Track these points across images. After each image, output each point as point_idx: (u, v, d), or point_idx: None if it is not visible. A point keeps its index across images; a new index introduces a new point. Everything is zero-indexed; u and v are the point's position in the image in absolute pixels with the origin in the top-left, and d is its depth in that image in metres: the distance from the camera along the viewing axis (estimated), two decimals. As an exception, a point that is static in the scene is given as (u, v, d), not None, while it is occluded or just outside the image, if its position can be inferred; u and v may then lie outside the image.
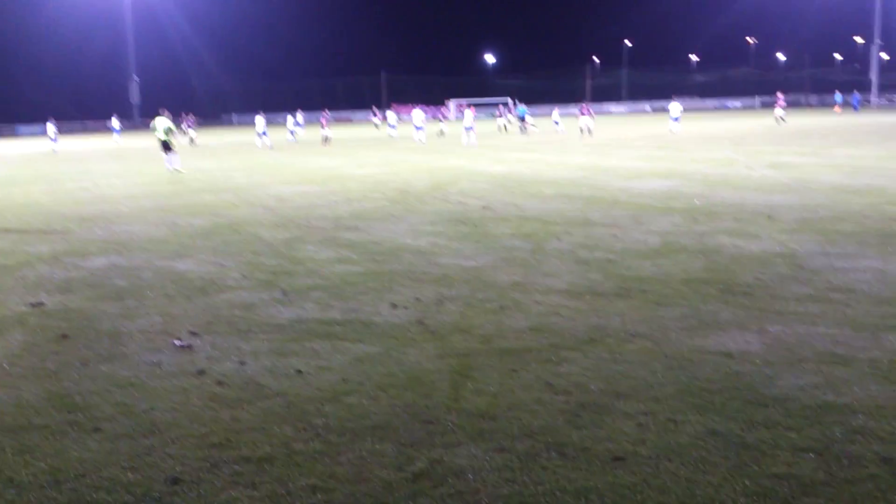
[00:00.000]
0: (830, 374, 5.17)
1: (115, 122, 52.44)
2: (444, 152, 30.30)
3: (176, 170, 23.35)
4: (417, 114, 40.63)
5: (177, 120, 52.42)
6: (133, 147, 44.03)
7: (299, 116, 50.50)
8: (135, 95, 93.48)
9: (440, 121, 47.86)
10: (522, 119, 44.00)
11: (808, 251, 9.14)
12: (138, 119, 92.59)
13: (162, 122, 23.36)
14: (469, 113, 38.04)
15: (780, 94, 48.98)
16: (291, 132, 46.45)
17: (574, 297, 7.46)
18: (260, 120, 40.08)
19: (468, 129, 36.78)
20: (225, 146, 43.19)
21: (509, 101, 67.27)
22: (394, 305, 7.42)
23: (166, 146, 23.31)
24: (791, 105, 67.15)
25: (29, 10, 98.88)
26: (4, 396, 5.32)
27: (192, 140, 44.44)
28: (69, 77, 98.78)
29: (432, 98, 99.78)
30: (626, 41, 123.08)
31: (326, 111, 48.85)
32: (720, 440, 4.25)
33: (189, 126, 52.58)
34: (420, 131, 38.93)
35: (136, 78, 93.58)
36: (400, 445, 4.36)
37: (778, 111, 46.17)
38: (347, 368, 5.70)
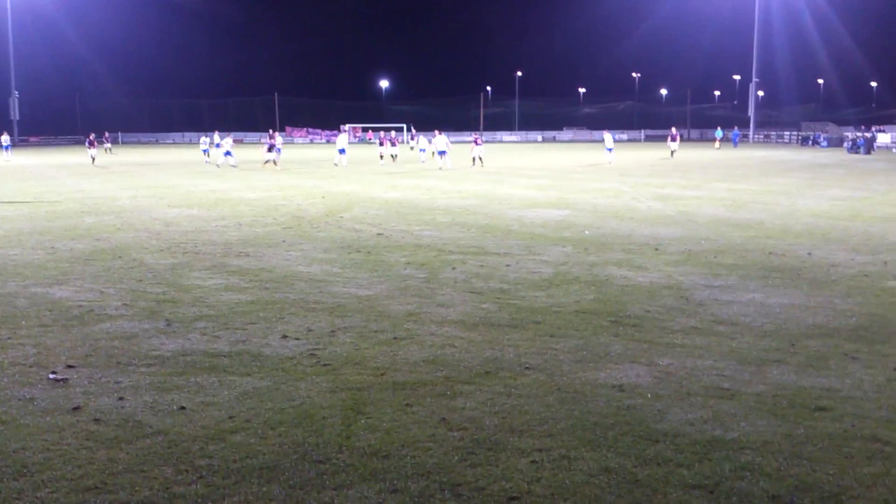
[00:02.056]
0: (718, 408, 5.33)
1: (4, 139, 49.77)
2: (338, 177, 30.09)
3: None
4: (343, 137, 41.71)
5: (100, 138, 51.21)
6: (12, 166, 41.79)
7: (216, 137, 50.03)
8: (15, 112, 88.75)
9: (389, 145, 46.40)
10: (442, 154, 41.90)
11: (693, 283, 9.49)
12: (17, 137, 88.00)
13: None
14: (344, 136, 42.05)
15: (674, 129, 51.23)
16: (205, 151, 44.79)
17: (468, 328, 7.46)
18: (205, 139, 44.74)
19: (342, 151, 39.44)
20: (111, 165, 41.55)
21: (404, 128, 67.51)
22: (285, 336, 7.23)
23: None
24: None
25: None
26: None
27: (93, 159, 42.22)
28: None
29: (327, 122, 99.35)
30: (518, 72, 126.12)
31: (272, 132, 48.87)
32: (613, 477, 4.30)
33: (107, 143, 56.05)
34: (343, 154, 39.34)
35: (16, 94, 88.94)
36: (288, 487, 4.21)
37: (672, 144, 48.06)
38: (234, 404, 5.49)
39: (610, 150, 40.56)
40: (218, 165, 37.46)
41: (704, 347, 6.78)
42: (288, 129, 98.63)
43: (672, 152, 47.31)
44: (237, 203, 19.78)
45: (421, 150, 42.75)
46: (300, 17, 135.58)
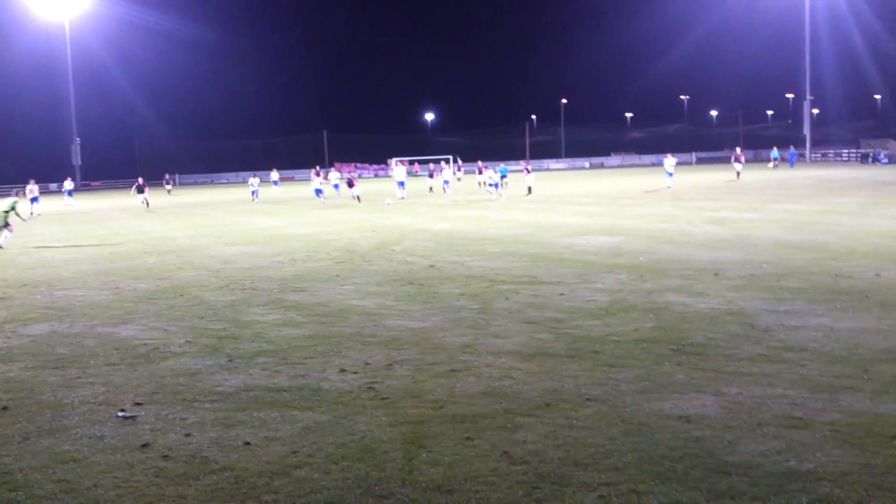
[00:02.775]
0: (791, 438, 5.19)
1: (67, 184, 51.71)
2: (387, 210, 30.36)
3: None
4: (399, 170, 41.61)
5: (157, 181, 52.70)
6: (75, 210, 43.09)
7: (274, 174, 51.85)
8: (77, 157, 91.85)
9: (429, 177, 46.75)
10: (503, 176, 41.27)
11: (756, 309, 9.31)
12: (79, 181, 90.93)
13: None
14: (401, 168, 41.78)
15: (738, 150, 49.36)
16: (254, 192, 43.72)
17: (525, 359, 7.44)
18: (254, 180, 43.55)
19: (401, 184, 39.00)
20: (169, 206, 42.60)
21: (451, 159, 67.79)
22: (343, 370, 7.30)
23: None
24: (725, 161, 69.33)
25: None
26: (-67, 479, 5.03)
27: (146, 203, 41.27)
28: (9, 139, 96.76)
29: (374, 157, 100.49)
30: (563, 99, 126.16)
31: (353, 167, 48.95)
32: (685, 512, 4.22)
33: (168, 185, 58.68)
34: (402, 187, 38.84)
35: (77, 140, 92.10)
36: (355, 522, 4.24)
37: (737, 165, 46.39)
38: (297, 439, 5.56)
39: (670, 174, 39.76)
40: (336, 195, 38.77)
41: (773, 375, 6.64)
42: (336, 164, 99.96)
43: (738, 174, 45.85)
44: (290, 239, 20.09)
45: (445, 181, 41.27)
46: (345, 55, 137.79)
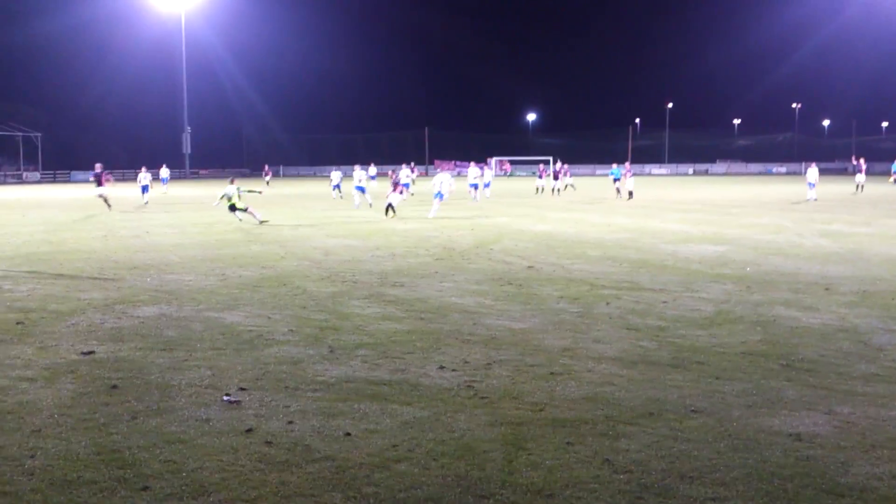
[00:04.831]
0: (908, 462, 4.91)
1: (164, 172, 53.47)
2: (486, 210, 30.34)
3: (263, 221, 23.24)
4: (473, 170, 39.94)
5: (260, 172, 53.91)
6: (183, 196, 44.81)
7: (372, 169, 51.43)
8: (187, 146, 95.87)
9: (539, 177, 45.74)
10: (616, 179, 40.17)
11: (871, 326, 8.85)
12: (188, 170, 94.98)
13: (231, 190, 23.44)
14: (486, 170, 41.53)
15: (862, 161, 45.56)
16: (359, 188, 42.70)
17: (627, 365, 7.27)
18: (336, 174, 41.28)
19: (486, 185, 38.55)
20: (273, 198, 43.78)
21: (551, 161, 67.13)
22: (442, 367, 7.31)
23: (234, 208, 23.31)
24: (837, 173, 66.26)
25: (88, 62, 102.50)
26: (54, 448, 5.27)
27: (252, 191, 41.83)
28: (124, 127, 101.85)
29: (473, 155, 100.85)
30: (668, 103, 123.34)
31: (562, 164, 44.89)
32: (796, 533, 4.03)
33: (266, 175, 59.87)
34: (476, 189, 37.69)
35: (188, 129, 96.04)
36: (455, 521, 4.21)
37: (859, 177, 43.56)
38: (397, 433, 5.58)
39: (812, 185, 36.75)
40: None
41: (888, 396, 6.28)
42: (436, 162, 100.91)
43: (859, 186, 43.00)
44: (390, 234, 20.31)
45: (485, 184, 38.75)
46: (449, 52, 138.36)
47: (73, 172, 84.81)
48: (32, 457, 5.13)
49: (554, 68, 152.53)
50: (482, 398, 6.37)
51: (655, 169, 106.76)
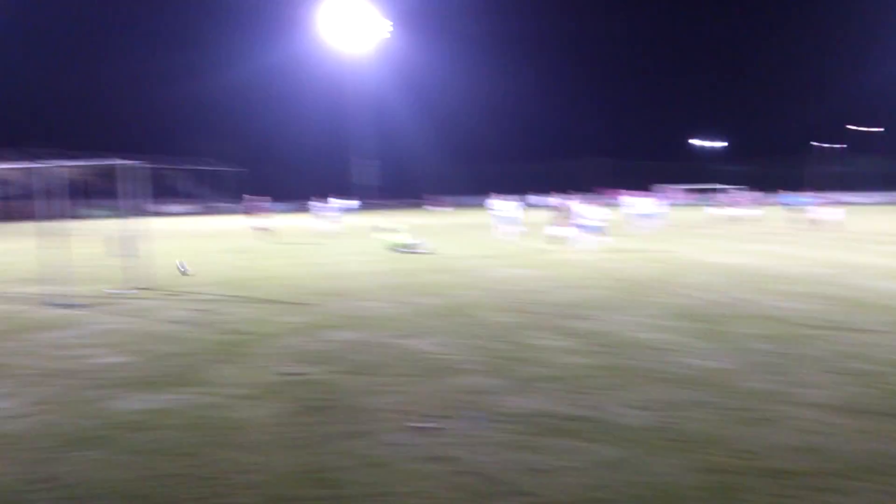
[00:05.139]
0: None
1: (340, 202, 55.86)
2: (666, 240, 29.42)
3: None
4: (639, 199, 38.77)
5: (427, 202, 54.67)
6: (361, 226, 46.69)
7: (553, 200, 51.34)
8: (366, 177, 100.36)
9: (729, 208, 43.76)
10: (802, 208, 37.78)
11: None
12: (360, 199, 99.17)
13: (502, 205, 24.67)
14: (653, 199, 39.03)
15: None
16: (511, 219, 41.94)
17: (840, 413, 6.73)
18: (499, 203, 39.75)
19: (649, 216, 36.64)
20: (444, 228, 44.73)
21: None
22: (633, 406, 7.08)
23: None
24: None
25: (284, 103, 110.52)
26: (265, 464, 5.57)
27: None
28: (299, 158, 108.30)
29: (640, 184, 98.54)
30: (860, 127, 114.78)
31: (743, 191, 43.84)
32: None
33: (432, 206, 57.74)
34: (646, 218, 36.21)
35: (360, 161, 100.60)
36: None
37: None
38: (590, 471, 5.45)
39: None
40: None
41: None
42: (599, 189, 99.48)
43: None
44: (567, 265, 20.12)
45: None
46: (611, 78, 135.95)
47: (269, 203, 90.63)
48: (247, 471, 5.44)
49: (729, 92, 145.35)
50: (679, 441, 6.10)
51: (848, 197, 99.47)
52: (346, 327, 11.12)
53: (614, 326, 11.08)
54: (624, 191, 49.77)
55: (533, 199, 53.61)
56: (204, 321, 11.74)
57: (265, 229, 31.59)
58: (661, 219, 37.86)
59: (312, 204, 39.62)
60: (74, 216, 63.75)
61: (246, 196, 33.16)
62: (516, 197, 35.24)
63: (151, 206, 79.00)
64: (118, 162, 16.77)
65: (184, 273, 18.96)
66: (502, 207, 38.79)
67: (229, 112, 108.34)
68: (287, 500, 4.98)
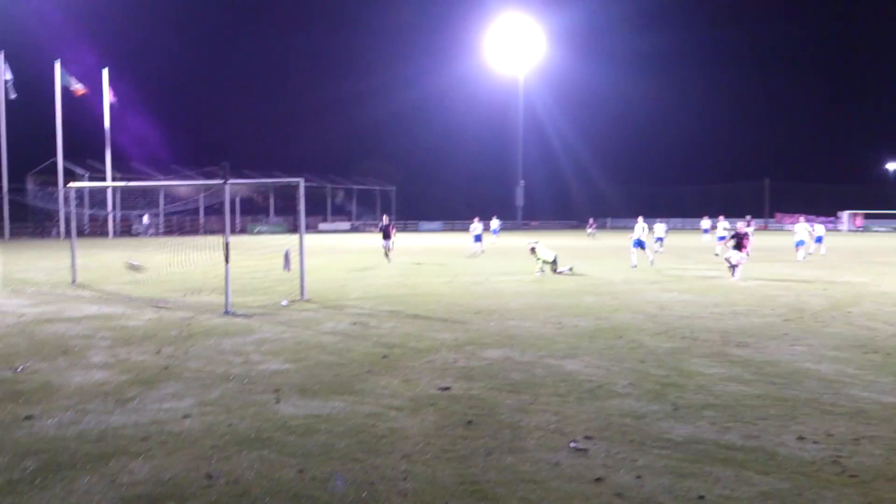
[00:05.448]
0: None
1: (494, 223, 55.99)
2: (837, 268, 27.68)
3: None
4: (801, 225, 36.80)
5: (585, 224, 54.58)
6: (514, 246, 46.80)
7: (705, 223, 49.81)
8: (520, 198, 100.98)
9: None
10: None
11: None
12: (520, 221, 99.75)
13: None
14: (816, 225, 36.78)
15: None
16: (659, 239, 38.55)
17: None
18: (659, 226, 38.85)
19: (818, 239, 35.00)
20: (601, 249, 44.13)
21: None
22: (801, 438, 6.73)
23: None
24: None
25: (437, 123, 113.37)
26: (422, 474, 5.71)
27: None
28: (464, 180, 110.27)
29: (821, 208, 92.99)
30: None
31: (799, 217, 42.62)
32: None
33: (591, 228, 60.10)
34: (802, 246, 33.38)
35: (522, 182, 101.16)
36: None
37: None
38: (755, 503, 5.21)
39: None
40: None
41: None
42: (777, 215, 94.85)
43: None
44: (728, 290, 19.34)
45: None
46: (791, 99, 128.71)
47: (420, 222, 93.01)
48: (405, 479, 5.60)
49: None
50: (852, 476, 5.75)
51: None
52: (499, 345, 11.20)
53: (781, 356, 10.55)
54: (808, 217, 47.00)
55: (705, 222, 51.83)
56: (362, 334, 12.17)
57: (387, 248, 30.65)
58: (822, 245, 35.49)
59: (470, 224, 39.79)
60: (242, 231, 67.83)
61: (385, 217, 33.29)
62: (664, 220, 35.07)
63: (316, 223, 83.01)
64: (296, 180, 17.70)
65: (136, 269, 21.18)
66: (659, 231, 37.95)
67: (392, 134, 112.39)
68: (443, 509, 5.08)
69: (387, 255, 30.44)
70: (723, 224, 37.42)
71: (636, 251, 28.13)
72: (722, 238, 35.17)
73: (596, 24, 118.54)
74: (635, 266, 27.20)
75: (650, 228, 31.88)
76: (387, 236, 30.63)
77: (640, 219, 30.38)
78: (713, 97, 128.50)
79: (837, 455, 6.25)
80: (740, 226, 23.95)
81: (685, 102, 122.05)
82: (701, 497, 5.31)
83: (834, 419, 7.34)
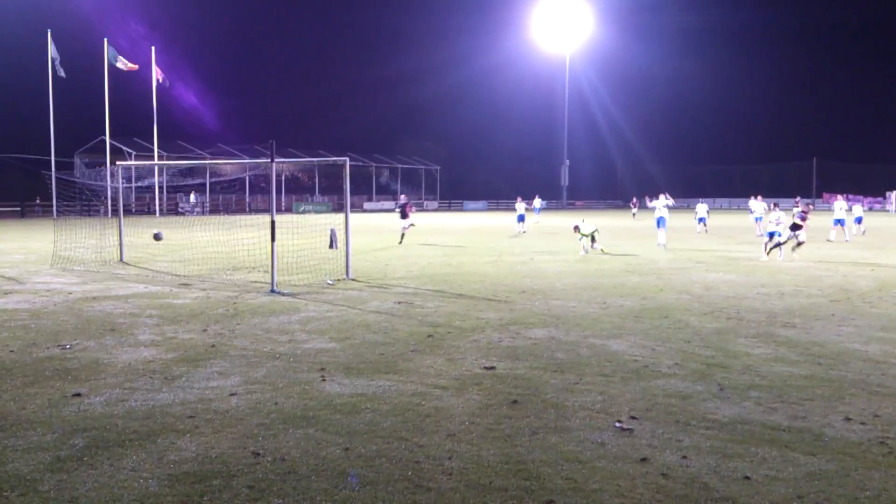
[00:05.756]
0: None
1: (536, 202, 55.66)
2: (885, 249, 27.12)
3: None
4: (519, 204, 38.94)
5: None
6: (558, 226, 46.63)
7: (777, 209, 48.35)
8: (565, 178, 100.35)
9: None
10: None
11: None
12: (565, 201, 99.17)
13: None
14: (855, 205, 36.97)
15: None
16: (758, 219, 36.04)
17: None
18: (701, 206, 38.33)
19: (857, 220, 34.34)
20: (645, 230, 43.75)
21: None
22: (848, 418, 6.70)
23: None
24: None
25: (483, 103, 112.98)
26: (467, 453, 5.82)
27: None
28: (508, 160, 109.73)
29: (868, 189, 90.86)
30: None
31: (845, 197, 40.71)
32: None
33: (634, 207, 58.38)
34: (842, 225, 32.25)
35: (567, 162, 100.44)
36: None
37: None
38: (801, 483, 5.23)
39: None
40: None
41: None
42: (825, 195, 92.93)
43: None
44: (775, 271, 19.10)
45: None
46: (840, 77, 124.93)
47: (465, 202, 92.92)
48: (450, 458, 5.71)
49: None
50: (898, 457, 5.71)
51: None
52: (543, 325, 11.26)
53: (828, 336, 10.46)
54: (853, 196, 45.55)
55: (755, 202, 48.83)
56: (406, 313, 12.31)
57: (411, 225, 29.29)
58: (861, 224, 34.42)
59: (516, 203, 39.52)
60: (287, 210, 68.52)
61: (402, 196, 32.56)
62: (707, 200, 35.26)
63: (361, 202, 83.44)
64: (342, 159, 17.86)
65: (159, 238, 22.25)
66: (701, 210, 37.35)
67: (438, 113, 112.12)
68: (487, 488, 5.18)
69: (402, 237, 28.98)
70: (761, 205, 35.64)
71: (661, 231, 27.66)
72: (759, 219, 34.63)
73: (643, 1, 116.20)
74: (661, 245, 26.86)
75: (693, 208, 31.20)
76: (404, 216, 29.32)
77: (662, 196, 29.42)
78: (761, 76, 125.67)
79: (885, 436, 6.21)
80: (798, 210, 23.31)
81: (732, 81, 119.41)
82: (747, 477, 5.33)
83: (881, 400, 7.28)
